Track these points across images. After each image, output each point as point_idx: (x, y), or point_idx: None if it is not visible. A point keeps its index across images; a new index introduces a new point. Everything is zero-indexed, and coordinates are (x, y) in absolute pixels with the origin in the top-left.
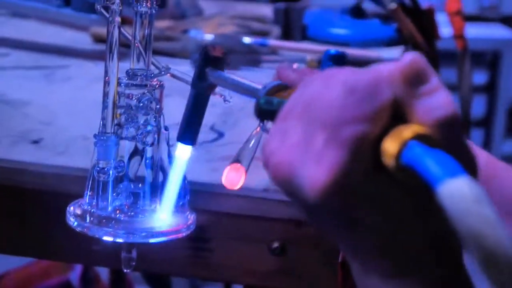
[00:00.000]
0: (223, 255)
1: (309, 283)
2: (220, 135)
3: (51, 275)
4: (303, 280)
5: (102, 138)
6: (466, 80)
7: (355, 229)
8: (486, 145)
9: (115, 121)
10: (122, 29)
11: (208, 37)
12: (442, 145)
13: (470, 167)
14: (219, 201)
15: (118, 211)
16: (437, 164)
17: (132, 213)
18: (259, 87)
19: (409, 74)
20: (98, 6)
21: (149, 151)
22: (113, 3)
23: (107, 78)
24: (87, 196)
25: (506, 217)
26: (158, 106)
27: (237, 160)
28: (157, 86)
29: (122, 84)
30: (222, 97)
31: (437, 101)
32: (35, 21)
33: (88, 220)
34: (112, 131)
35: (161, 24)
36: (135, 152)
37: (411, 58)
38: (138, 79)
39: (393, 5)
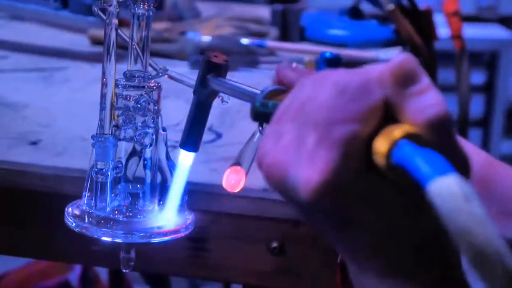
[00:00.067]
0: (222, 255)
1: (308, 283)
2: (218, 135)
3: (50, 276)
4: (302, 279)
5: (100, 139)
6: (464, 81)
7: (348, 228)
8: (484, 145)
9: (113, 123)
10: (119, 31)
11: (206, 38)
12: (433, 144)
13: (461, 166)
14: (217, 201)
15: (116, 212)
16: (427, 162)
17: (131, 214)
18: (259, 92)
19: (400, 74)
20: (96, 8)
21: (147, 152)
22: (110, 5)
23: (104, 79)
24: (86, 197)
25: (505, 217)
26: (155, 108)
27: (237, 162)
28: (154, 87)
29: (119, 86)
30: (220, 98)
31: (427, 100)
32: (34, 24)
33: (86, 221)
34: (110, 132)
35: (159, 26)
36: (133, 153)
37: (402, 58)
38: (136, 81)
39: (390, 6)
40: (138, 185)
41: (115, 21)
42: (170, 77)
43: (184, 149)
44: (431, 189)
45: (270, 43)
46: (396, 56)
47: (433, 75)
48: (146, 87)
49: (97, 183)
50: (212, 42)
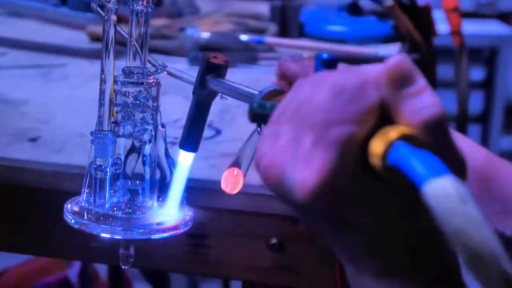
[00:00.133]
0: (221, 251)
1: (307, 279)
2: (218, 132)
3: (49, 272)
4: (301, 276)
5: (99, 135)
6: (463, 77)
7: (345, 229)
8: (484, 141)
9: (112, 119)
10: (118, 28)
11: (205, 35)
12: (429, 146)
13: (458, 167)
14: (217, 198)
15: (115, 208)
16: (422, 164)
17: (130, 210)
18: (257, 92)
19: (396, 75)
20: (94, 5)
21: (146, 149)
22: (109, 2)
23: (103, 76)
24: (85, 194)
25: (505, 215)
26: (154, 104)
27: (235, 163)
28: (153, 84)
29: (118, 82)
30: (219, 94)
31: (423, 102)
32: (32, 20)
33: (85, 218)
34: (109, 128)
35: (157, 22)
36: (132, 150)
37: (397, 59)
38: (135, 77)
39: (389, 2)
40: (137, 182)
41: (113, 17)
42: (169, 74)
43: (183, 149)
44: (426, 190)
45: (269, 39)
46: (392, 57)
47: (432, 71)
48: (145, 83)
49: (96, 179)
50: (211, 39)
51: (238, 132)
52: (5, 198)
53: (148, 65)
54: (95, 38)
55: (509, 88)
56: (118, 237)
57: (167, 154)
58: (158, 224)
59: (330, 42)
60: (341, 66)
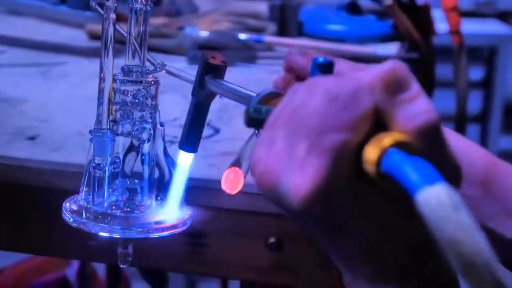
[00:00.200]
0: (220, 250)
1: (306, 278)
2: (216, 131)
3: (47, 271)
4: (300, 275)
5: (97, 134)
6: (462, 76)
7: (339, 235)
8: (482, 141)
9: (111, 117)
10: (117, 26)
11: (204, 34)
12: (422, 153)
13: (452, 173)
14: (215, 197)
15: (114, 207)
16: (415, 171)
17: (128, 209)
18: (254, 95)
19: (390, 81)
20: (93, 3)
21: (144, 147)
22: (108, 0)
23: (102, 74)
24: (83, 192)
25: (506, 217)
26: (153, 103)
27: (235, 163)
28: (152, 82)
29: (117, 81)
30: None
31: (417, 108)
32: (31, 19)
33: (84, 216)
34: (108, 127)
35: (156, 21)
36: (131, 148)
37: (392, 65)
38: (134, 76)
39: (388, 1)
40: (136, 180)
41: (112, 16)
42: (168, 72)
43: (183, 150)
44: (419, 198)
45: (268, 39)
46: (386, 63)
47: (431, 71)
48: (144, 82)
49: (95, 178)
50: (209, 37)
51: (236, 131)
52: (3, 196)
53: (147, 63)
54: (94, 36)
55: (508, 88)
56: (117, 236)
57: (165, 153)
58: (156, 223)
59: (329, 41)
60: (343, 62)
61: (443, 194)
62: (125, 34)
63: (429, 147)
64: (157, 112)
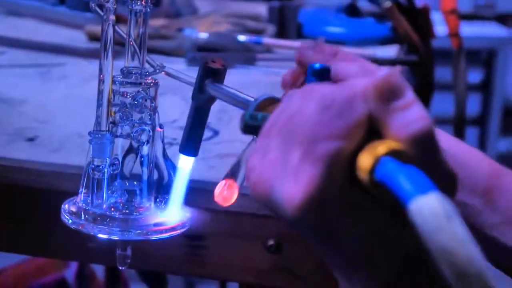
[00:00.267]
0: (219, 252)
1: (305, 281)
2: (215, 133)
3: (46, 273)
4: (299, 277)
5: (97, 136)
6: (461, 79)
7: (333, 242)
8: (481, 143)
9: (110, 119)
10: (116, 28)
11: (203, 35)
12: (416, 161)
13: (447, 181)
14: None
15: (113, 209)
16: (409, 180)
17: (127, 211)
18: (252, 99)
19: (384, 89)
20: (93, 4)
21: (144, 149)
22: (108, 1)
23: (101, 76)
24: (82, 194)
25: (509, 226)
26: (152, 104)
27: (230, 175)
28: (151, 84)
29: (117, 82)
30: None
31: (411, 116)
32: (31, 20)
33: (83, 218)
34: (107, 129)
35: (156, 22)
36: (130, 150)
37: (385, 73)
38: (133, 77)
39: (388, 4)
40: (135, 182)
41: (112, 17)
42: (167, 74)
43: (183, 153)
44: (412, 207)
45: (267, 40)
46: (380, 71)
47: (430, 73)
48: (143, 83)
49: (94, 180)
50: (209, 39)
51: (236, 133)
52: (3, 197)
53: (147, 65)
54: (93, 37)
55: (506, 90)
56: (115, 237)
57: (165, 155)
58: (155, 225)
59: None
60: (353, 64)
61: (435, 203)
62: (125, 36)
63: (423, 154)
64: (156, 114)
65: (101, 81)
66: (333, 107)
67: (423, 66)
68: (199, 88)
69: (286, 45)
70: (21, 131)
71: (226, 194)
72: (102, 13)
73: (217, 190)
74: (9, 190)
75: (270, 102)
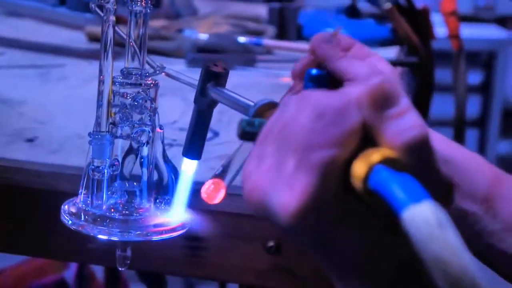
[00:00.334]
0: (218, 254)
1: (304, 282)
2: (215, 134)
3: (46, 273)
4: (298, 279)
5: (97, 136)
6: (461, 80)
7: (327, 250)
8: (481, 145)
9: (110, 120)
10: (116, 28)
11: (203, 36)
12: (410, 169)
13: (442, 189)
14: None
15: (112, 210)
16: (402, 189)
17: (127, 212)
18: (252, 104)
19: (377, 96)
20: (93, 5)
21: (143, 150)
22: (108, 2)
23: (101, 77)
24: (82, 195)
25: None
26: (152, 105)
27: (219, 174)
28: (151, 85)
29: (117, 83)
30: None
31: (405, 123)
32: (31, 20)
33: (83, 219)
34: (107, 130)
35: (156, 23)
36: (130, 151)
37: (379, 80)
38: (133, 78)
39: (388, 5)
40: (135, 183)
41: (112, 18)
42: (167, 75)
43: (186, 157)
44: (405, 217)
45: (267, 42)
46: (373, 78)
47: (430, 75)
48: (143, 84)
49: (94, 180)
50: (209, 40)
51: (235, 134)
52: (2, 198)
53: (147, 66)
54: (93, 38)
55: (506, 92)
56: (115, 238)
57: (164, 156)
58: (155, 226)
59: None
60: (361, 47)
61: (428, 212)
62: (125, 37)
63: (418, 162)
64: (156, 115)
65: (101, 82)
66: (327, 115)
67: (423, 67)
68: (201, 92)
69: (286, 46)
70: (20, 132)
71: (212, 193)
72: (102, 14)
73: (203, 188)
74: (8, 190)
75: (269, 107)
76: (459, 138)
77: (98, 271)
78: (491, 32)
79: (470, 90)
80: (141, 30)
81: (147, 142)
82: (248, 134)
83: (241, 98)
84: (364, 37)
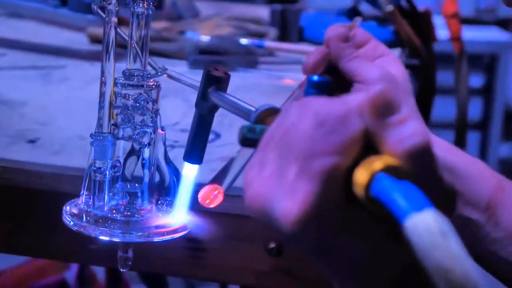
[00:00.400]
0: (219, 255)
1: (305, 284)
2: (217, 136)
3: (47, 274)
4: (299, 280)
5: (98, 137)
6: (463, 83)
7: (330, 257)
8: (483, 148)
9: (112, 121)
10: (118, 30)
11: (205, 38)
12: (412, 177)
13: (444, 197)
14: None
15: (114, 211)
16: (404, 197)
17: (129, 213)
18: (254, 109)
19: (379, 104)
20: (95, 7)
21: (145, 151)
22: (110, 4)
23: (103, 78)
24: (84, 196)
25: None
26: (154, 107)
27: (217, 179)
28: (153, 86)
29: (118, 85)
30: None
31: (407, 131)
32: (32, 22)
33: (84, 220)
34: (109, 131)
35: (158, 25)
36: (132, 152)
37: (381, 88)
38: (135, 80)
39: (390, 8)
40: (136, 184)
41: (114, 19)
42: (169, 76)
43: (188, 161)
44: (407, 225)
45: (269, 44)
46: (375, 86)
47: (431, 77)
48: (145, 86)
49: (95, 181)
50: (211, 42)
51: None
52: (4, 199)
53: (148, 67)
54: (95, 40)
55: (508, 95)
56: (117, 239)
57: (166, 157)
58: (156, 227)
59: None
60: (377, 44)
61: (431, 221)
62: (127, 38)
63: (420, 169)
64: (158, 116)
65: (103, 83)
66: (328, 123)
67: (424, 70)
68: (202, 96)
69: (287, 48)
70: (22, 133)
71: (209, 197)
72: (104, 15)
73: (201, 192)
74: (9, 191)
75: (271, 113)
76: (460, 141)
77: (99, 272)
78: (492, 34)
79: (471, 92)
80: (143, 32)
81: (149, 144)
82: (249, 140)
83: (242, 103)
84: None
